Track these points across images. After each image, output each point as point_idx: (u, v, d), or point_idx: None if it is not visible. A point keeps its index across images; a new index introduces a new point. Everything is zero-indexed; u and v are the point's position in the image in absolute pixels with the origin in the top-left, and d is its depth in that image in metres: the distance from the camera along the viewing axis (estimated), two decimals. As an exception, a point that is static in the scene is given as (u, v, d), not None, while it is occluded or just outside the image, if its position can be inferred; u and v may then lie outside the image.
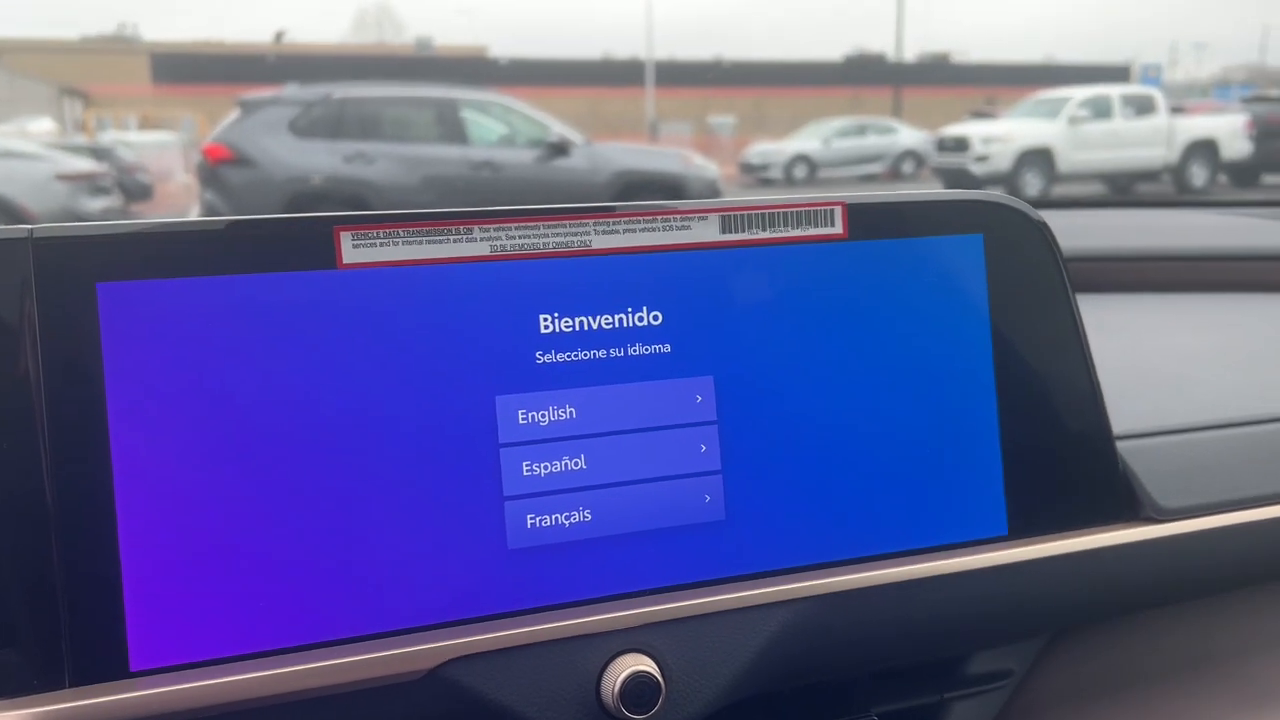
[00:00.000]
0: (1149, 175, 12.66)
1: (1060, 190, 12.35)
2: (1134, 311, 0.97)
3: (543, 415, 0.47)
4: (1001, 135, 12.39)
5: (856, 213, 0.52)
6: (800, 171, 17.30)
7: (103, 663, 0.42)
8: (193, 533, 0.43)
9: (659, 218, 0.49)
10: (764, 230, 0.51)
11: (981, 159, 12.18)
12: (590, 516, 0.48)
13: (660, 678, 0.47)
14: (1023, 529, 0.54)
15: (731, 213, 0.50)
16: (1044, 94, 13.70)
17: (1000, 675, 0.61)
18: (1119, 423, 0.57)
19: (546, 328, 0.47)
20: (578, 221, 0.48)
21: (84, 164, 8.96)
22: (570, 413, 0.48)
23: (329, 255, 0.45)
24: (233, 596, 0.43)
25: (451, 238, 0.46)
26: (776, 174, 17.25)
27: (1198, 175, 12.56)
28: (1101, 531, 0.56)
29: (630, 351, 0.49)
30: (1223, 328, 0.91)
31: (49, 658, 0.41)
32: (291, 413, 0.44)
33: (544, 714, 0.47)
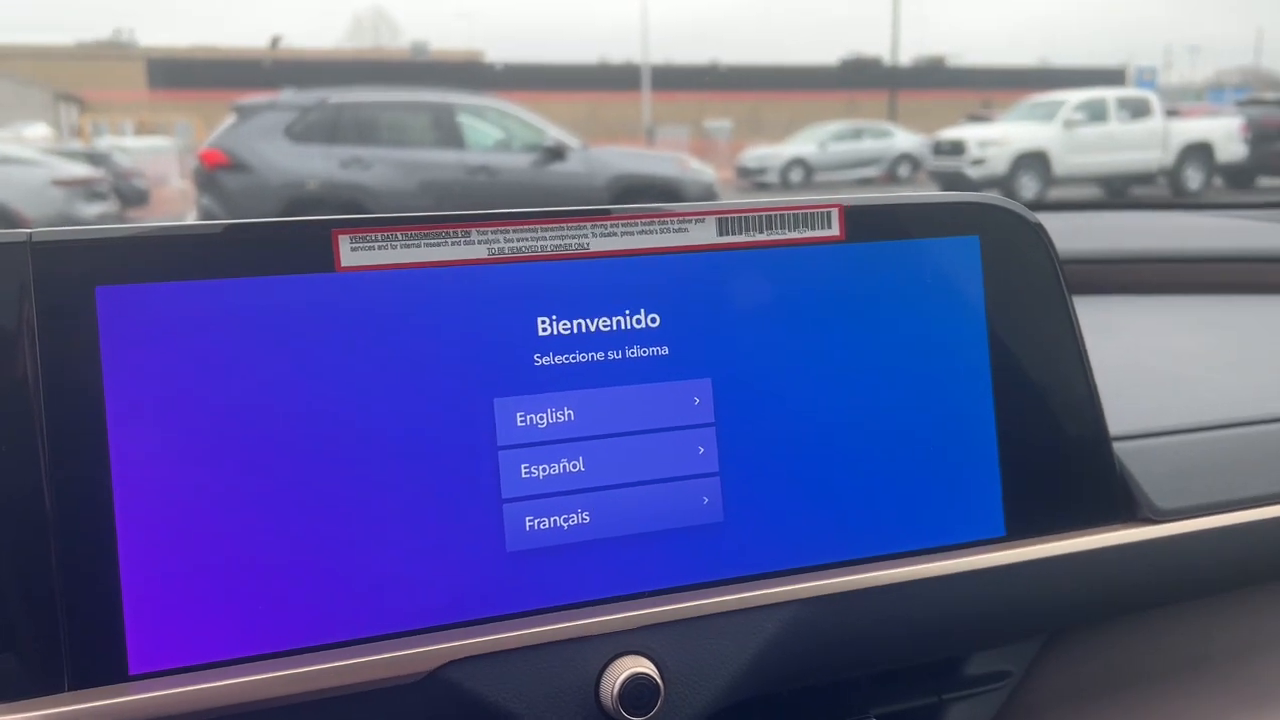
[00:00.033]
0: (1144, 178, 12.69)
1: (1056, 193, 12.37)
2: (1130, 313, 0.97)
3: (541, 417, 0.47)
4: (997, 139, 12.42)
5: (854, 215, 0.52)
6: (796, 175, 17.33)
7: (102, 666, 0.42)
8: (191, 536, 0.43)
9: (656, 220, 0.49)
10: (761, 232, 0.51)
11: (977, 162, 12.21)
12: (589, 518, 0.48)
13: (659, 679, 0.47)
14: (1020, 530, 0.54)
15: (729, 215, 0.50)
16: (1039, 97, 13.73)
17: (998, 676, 0.61)
18: (1115, 424, 0.57)
19: (544, 330, 0.48)
20: (575, 224, 0.48)
21: (80, 169, 8.96)
22: (568, 415, 0.48)
23: (327, 258, 0.45)
24: (232, 599, 0.43)
25: (449, 240, 0.46)
26: (773, 178, 17.27)
27: (1193, 178, 12.59)
28: (1098, 532, 0.56)
29: (628, 354, 0.49)
30: (1218, 329, 0.92)
31: (48, 661, 0.41)
32: (290, 416, 0.44)
33: (543, 716, 0.47)
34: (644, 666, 0.47)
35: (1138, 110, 12.75)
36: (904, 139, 18.20)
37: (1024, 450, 0.54)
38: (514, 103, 8.16)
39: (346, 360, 0.45)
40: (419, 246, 0.46)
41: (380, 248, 0.45)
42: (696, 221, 0.50)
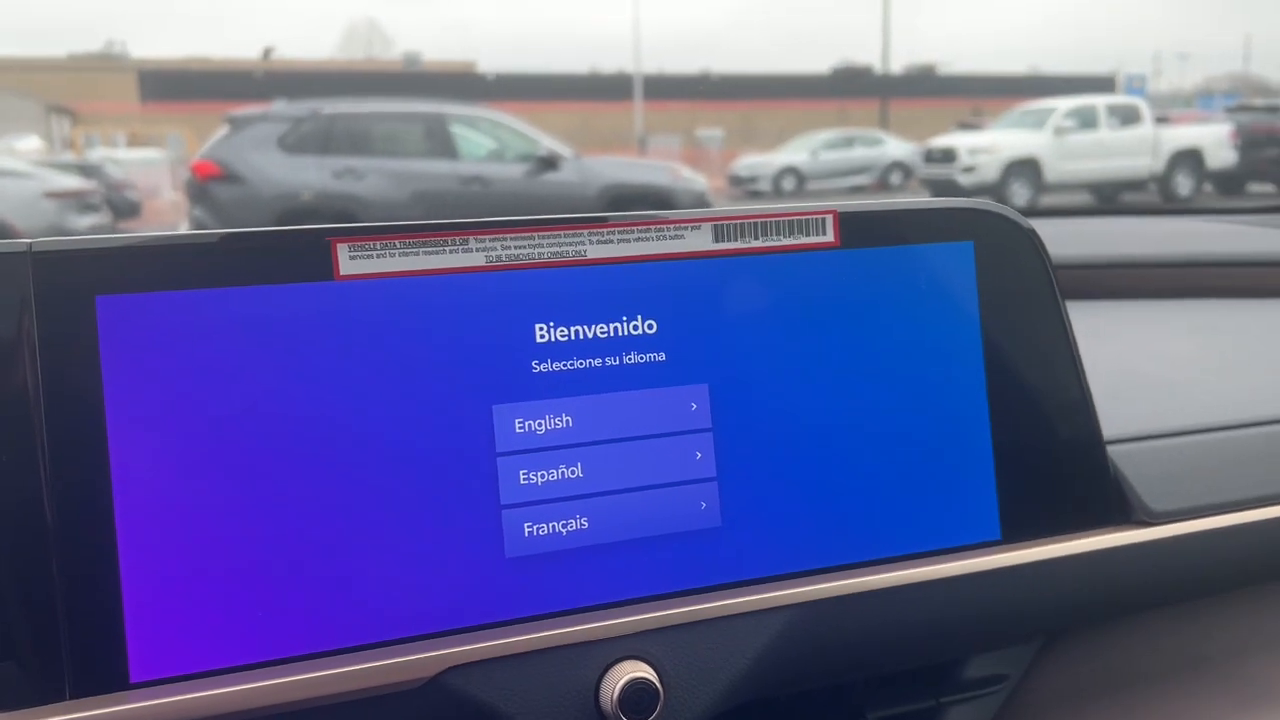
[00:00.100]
0: (1135, 185, 12.74)
1: (1047, 200, 12.41)
2: (1122, 317, 0.98)
3: (539, 424, 0.48)
4: (988, 146, 12.46)
5: (848, 221, 0.52)
6: (788, 184, 17.36)
7: (103, 674, 0.42)
8: (192, 544, 0.43)
9: (653, 227, 0.50)
10: (757, 239, 0.51)
11: (969, 170, 12.25)
12: (587, 524, 0.48)
13: (658, 684, 0.47)
14: (1015, 533, 0.55)
15: (724, 222, 0.51)
16: (1030, 105, 13.79)
17: (995, 679, 0.61)
18: (1109, 427, 0.58)
19: (542, 337, 0.48)
20: (573, 232, 0.48)
21: (72, 181, 8.95)
22: (567, 421, 0.48)
23: (326, 267, 0.45)
24: (232, 607, 0.43)
25: (448, 249, 0.47)
26: (765, 186, 17.30)
27: (1183, 185, 12.65)
28: (1093, 535, 0.56)
29: (626, 360, 0.49)
30: (1210, 333, 0.92)
31: (49, 670, 0.41)
32: (290, 423, 0.44)
33: None
34: (643, 671, 0.47)
35: (1128, 117, 12.81)
36: (895, 147, 18.26)
37: (1019, 454, 0.55)
38: (507, 113, 8.17)
39: (345, 368, 0.45)
40: (417, 254, 0.46)
41: (379, 256, 0.46)
42: (693, 228, 0.50)
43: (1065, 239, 1.11)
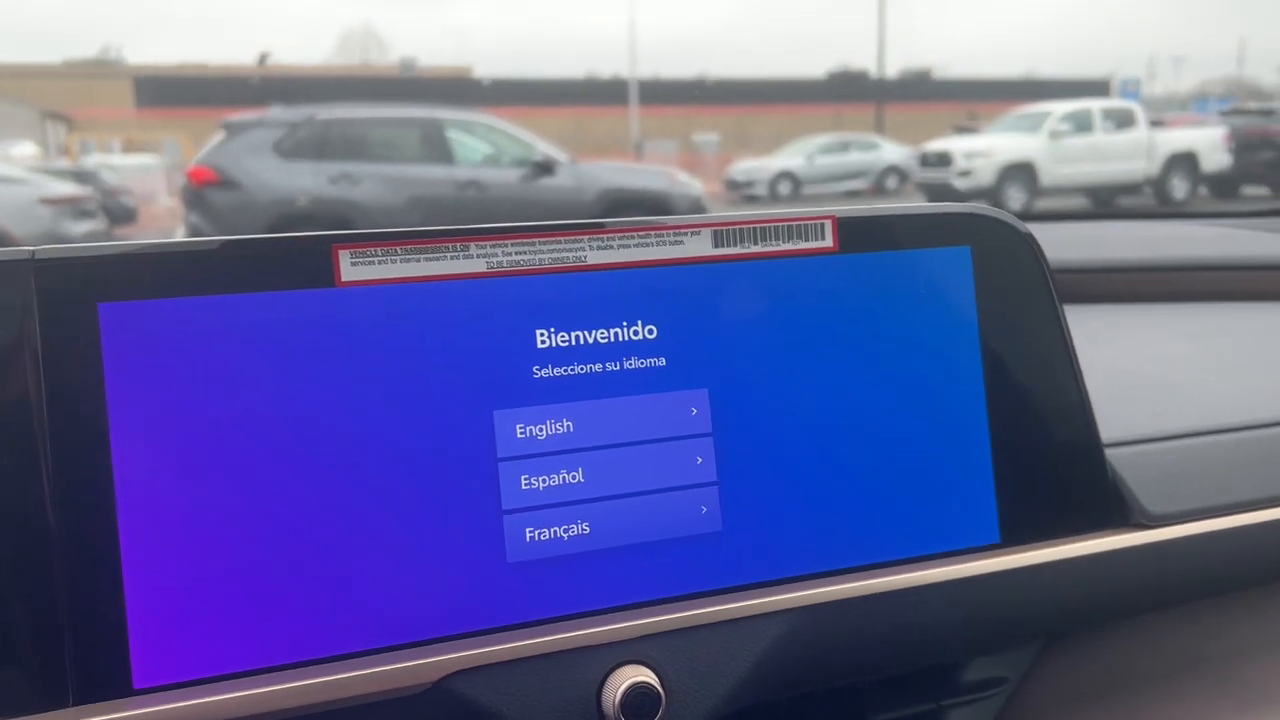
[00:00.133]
0: (1130, 188, 12.77)
1: (1043, 204, 12.43)
2: (1119, 321, 0.98)
3: (540, 429, 0.48)
4: (984, 150, 12.48)
5: (847, 226, 0.53)
6: (784, 188, 17.38)
7: (106, 681, 0.42)
8: (195, 550, 0.43)
9: (652, 233, 0.50)
10: (756, 244, 0.51)
11: (964, 174, 12.27)
12: (589, 529, 0.48)
13: (660, 688, 0.47)
14: (1015, 536, 0.55)
15: (724, 227, 0.51)
16: (1025, 109, 13.81)
17: (995, 682, 0.61)
18: (1107, 430, 0.58)
19: (543, 342, 0.48)
20: (573, 238, 0.49)
21: (67, 188, 8.93)
22: (567, 426, 0.48)
23: (328, 274, 0.45)
24: (235, 613, 0.43)
25: (448, 255, 0.47)
26: (761, 191, 17.32)
27: (1178, 188, 12.68)
28: (1092, 538, 0.56)
29: (626, 365, 0.49)
30: (1207, 336, 0.93)
31: (52, 677, 0.42)
32: (292, 429, 0.44)
33: None
34: (645, 675, 0.47)
35: (1123, 121, 12.84)
36: (891, 151, 18.29)
37: (1018, 457, 0.55)
38: (502, 118, 8.18)
39: (347, 374, 0.45)
40: (418, 261, 0.46)
41: (380, 262, 0.46)
42: (692, 234, 0.50)
43: (1062, 243, 1.11)
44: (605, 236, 0.49)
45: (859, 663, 0.54)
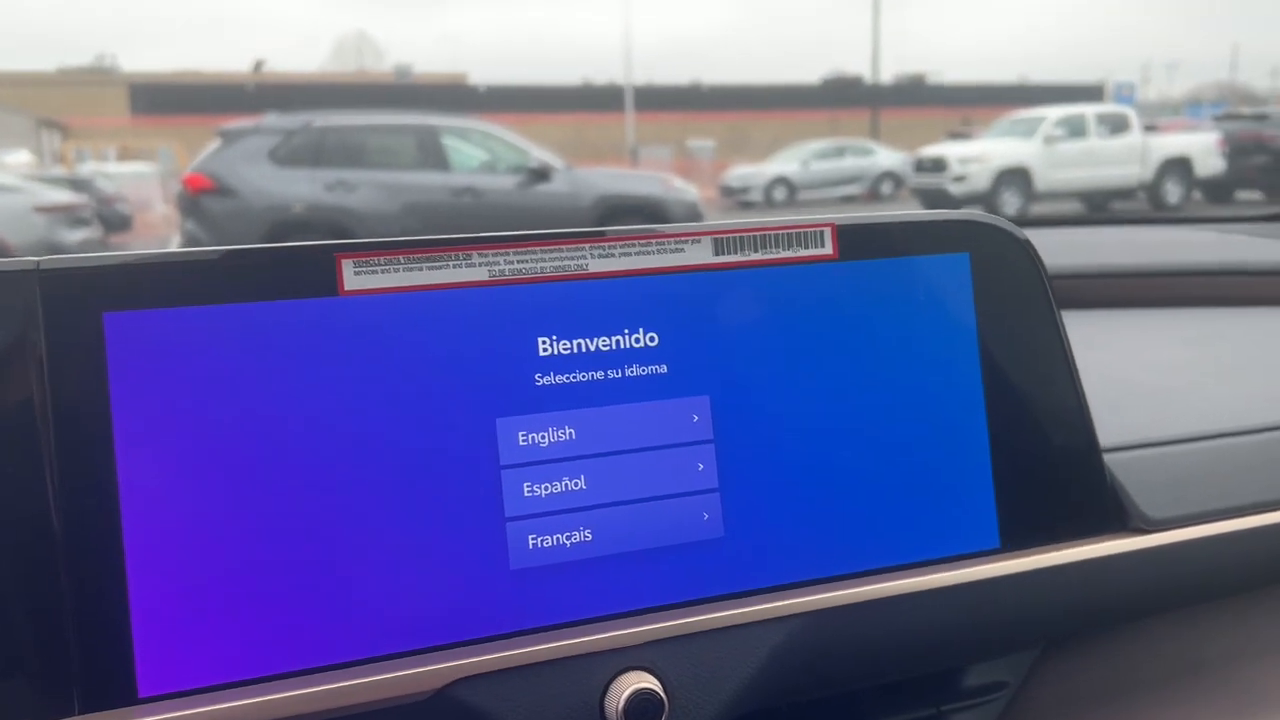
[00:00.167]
0: (1125, 193, 12.80)
1: (1038, 209, 12.47)
2: (1116, 326, 0.99)
3: (543, 436, 0.48)
4: (979, 155, 12.51)
5: (846, 233, 0.53)
6: (780, 194, 17.42)
7: (111, 689, 0.42)
8: (199, 558, 0.43)
9: (654, 241, 0.50)
10: (756, 252, 0.52)
11: (959, 179, 12.30)
12: (591, 536, 0.49)
13: (663, 694, 0.47)
14: (1015, 542, 0.55)
15: (724, 235, 0.51)
16: (1019, 114, 13.86)
17: (996, 686, 0.61)
18: (1105, 435, 0.58)
19: (545, 350, 0.48)
20: (574, 245, 0.49)
21: (62, 196, 8.93)
22: (570, 434, 0.48)
23: (331, 282, 0.45)
24: (240, 621, 0.44)
25: (451, 263, 0.47)
26: (756, 196, 17.35)
27: (1172, 192, 12.72)
28: (1091, 543, 0.57)
29: (628, 372, 0.49)
30: (1203, 341, 0.93)
31: (57, 685, 0.42)
32: (296, 437, 0.44)
33: None
34: (648, 682, 0.48)
35: (1117, 126, 12.88)
36: (886, 156, 18.34)
37: (1017, 463, 0.55)
38: (498, 124, 8.19)
39: (351, 382, 0.45)
40: (421, 269, 0.47)
41: (383, 271, 0.46)
42: (693, 242, 0.51)
43: (1058, 249, 1.12)
44: (606, 245, 0.49)
45: (861, 668, 0.54)
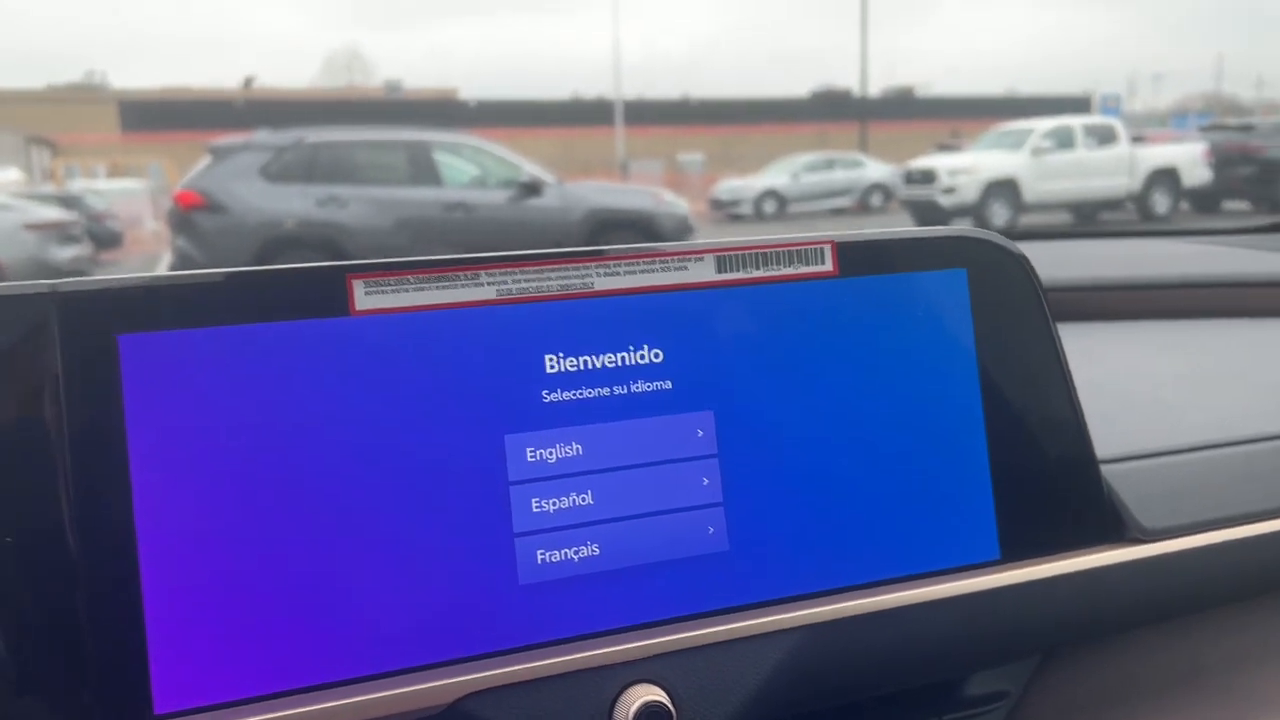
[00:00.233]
0: (1113, 204, 12.88)
1: (1027, 220, 12.53)
2: (1109, 339, 1.00)
3: (550, 453, 0.49)
4: (967, 167, 12.58)
5: (846, 250, 0.54)
6: (770, 207, 17.47)
7: (127, 707, 0.43)
8: (214, 576, 0.44)
9: (657, 259, 0.51)
10: (758, 269, 0.53)
11: (949, 191, 12.36)
12: (598, 550, 0.49)
13: (671, 706, 0.48)
14: (1014, 552, 0.56)
15: (727, 253, 0.52)
16: (1007, 126, 13.93)
17: (997, 696, 0.62)
18: (1101, 447, 0.59)
19: (552, 367, 0.49)
20: (580, 264, 0.50)
21: (52, 213, 8.92)
22: (577, 449, 0.49)
23: (342, 302, 0.46)
24: (254, 638, 0.44)
25: (459, 283, 0.48)
26: (746, 209, 17.40)
27: (1160, 203, 12.80)
28: (1089, 553, 0.57)
29: (633, 389, 0.50)
30: (1194, 353, 0.94)
31: (74, 703, 0.42)
32: (308, 456, 0.45)
33: None
34: (656, 694, 0.48)
35: (1104, 137, 12.97)
36: (875, 169, 18.42)
37: (1016, 475, 0.56)
38: (489, 139, 8.20)
39: (362, 401, 0.46)
40: (430, 289, 0.47)
41: (393, 291, 0.47)
42: (696, 260, 0.52)
43: (1051, 262, 1.13)
44: (612, 263, 0.50)
45: (865, 679, 0.55)
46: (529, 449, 0.48)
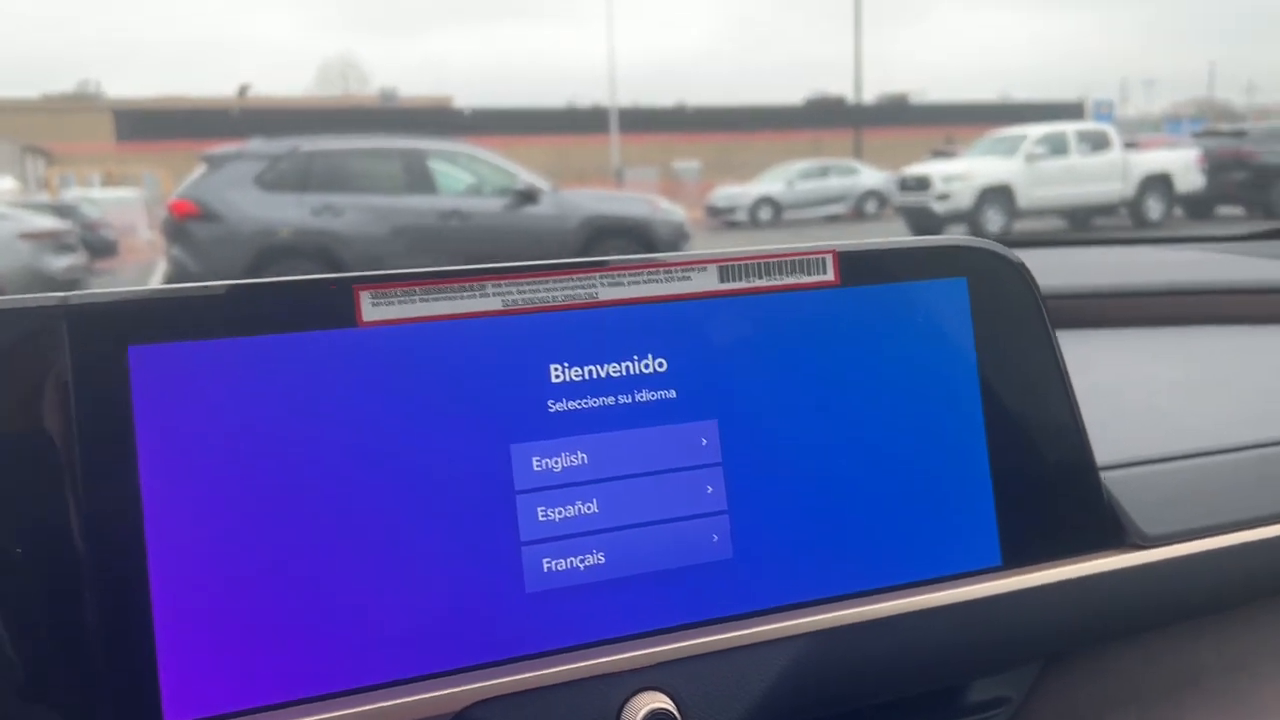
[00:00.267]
0: (1106, 209, 12.91)
1: (1021, 226, 12.56)
2: (1104, 345, 1.00)
3: (556, 462, 0.49)
4: (962, 173, 12.61)
5: (847, 260, 0.54)
6: (765, 214, 17.50)
7: (137, 716, 0.43)
8: (223, 585, 0.44)
9: (661, 269, 0.51)
10: (760, 279, 0.53)
11: (943, 197, 12.39)
12: (604, 559, 0.49)
13: (677, 714, 0.48)
14: (1015, 559, 0.56)
15: (729, 263, 0.53)
16: (1001, 132, 13.98)
17: (999, 702, 0.62)
18: (1101, 454, 0.60)
19: (558, 377, 0.49)
20: (585, 275, 0.50)
21: (47, 222, 8.92)
22: (582, 458, 0.49)
23: (350, 314, 0.46)
24: (263, 647, 0.44)
25: (465, 294, 0.48)
26: (742, 216, 17.43)
27: (1154, 208, 12.84)
28: (1090, 559, 0.58)
29: (638, 398, 0.50)
30: (1194, 360, 0.95)
31: (83, 712, 0.42)
32: (316, 466, 0.45)
33: None
34: (662, 701, 0.48)
35: (1097, 143, 13.01)
36: (870, 176, 18.47)
37: (1016, 482, 0.56)
38: (484, 147, 8.21)
39: (370, 411, 0.46)
40: (437, 300, 0.48)
41: (400, 302, 0.47)
42: (699, 270, 0.52)
43: (1048, 270, 1.14)
44: (616, 273, 0.51)
45: (868, 686, 0.55)
46: (535, 458, 0.49)
